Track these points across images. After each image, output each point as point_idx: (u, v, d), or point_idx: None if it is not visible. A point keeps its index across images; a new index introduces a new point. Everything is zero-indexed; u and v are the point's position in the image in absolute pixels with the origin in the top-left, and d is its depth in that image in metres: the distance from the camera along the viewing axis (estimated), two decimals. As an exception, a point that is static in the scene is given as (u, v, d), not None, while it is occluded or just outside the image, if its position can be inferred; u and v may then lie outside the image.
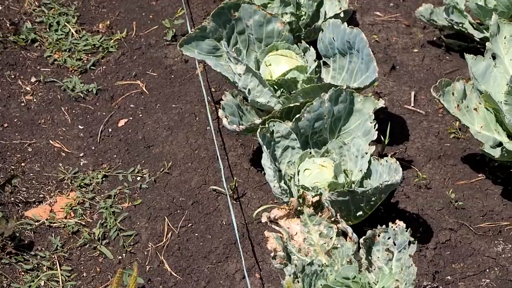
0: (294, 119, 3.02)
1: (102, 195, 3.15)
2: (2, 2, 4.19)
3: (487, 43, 3.32)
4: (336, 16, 3.78)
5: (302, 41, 3.55)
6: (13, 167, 3.28)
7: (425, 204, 3.09)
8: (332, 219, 2.59)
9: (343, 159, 2.97)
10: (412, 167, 3.30)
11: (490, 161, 3.28)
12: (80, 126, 3.57)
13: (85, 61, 3.91)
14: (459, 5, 3.85)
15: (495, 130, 3.25)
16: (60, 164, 3.31)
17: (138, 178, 3.24)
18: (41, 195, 3.17)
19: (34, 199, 3.14)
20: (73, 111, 3.63)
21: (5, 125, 3.50)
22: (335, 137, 3.11)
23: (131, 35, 4.10)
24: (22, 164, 3.31)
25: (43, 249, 3.03)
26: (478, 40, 3.82)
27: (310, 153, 3.00)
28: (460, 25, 3.81)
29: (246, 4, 3.43)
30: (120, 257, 3.01)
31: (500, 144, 3.16)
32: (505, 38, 3.36)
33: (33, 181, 3.24)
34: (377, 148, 3.26)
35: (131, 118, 3.61)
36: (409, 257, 2.48)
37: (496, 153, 3.08)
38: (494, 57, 3.33)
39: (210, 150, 3.36)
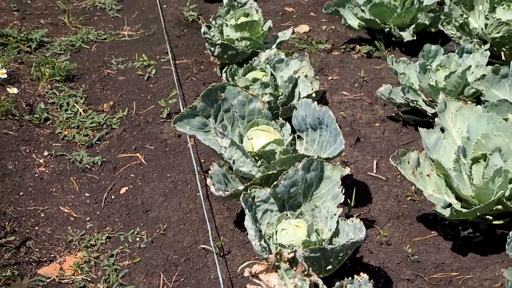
0: (272, 186, 3.03)
1: (105, 254, 3.13)
2: (19, 86, 4.21)
3: (436, 118, 3.37)
4: (308, 96, 3.80)
5: (279, 117, 3.57)
6: (27, 230, 3.26)
7: (385, 258, 3.09)
8: (305, 272, 2.59)
9: (315, 220, 2.97)
10: (375, 226, 3.30)
11: (442, 220, 3.28)
12: (86, 194, 3.55)
13: (91, 137, 3.91)
14: (414, 85, 3.89)
15: (445, 193, 3.28)
16: (69, 228, 3.29)
17: (137, 239, 3.22)
18: (52, 255, 3.14)
19: (45, 259, 3.12)
20: (81, 181, 3.63)
21: (21, 193, 3.49)
22: (308, 201, 3.11)
23: (132, 114, 4.10)
24: (36, 228, 3.28)
25: (54, 302, 3.00)
26: (430, 115, 3.85)
27: (287, 215, 3.00)
28: (415, 102, 3.83)
29: (231, 86, 3.47)
30: (121, 309, 3.00)
31: (449, 205, 3.19)
32: (451, 113, 3.40)
33: (45, 243, 3.21)
34: (344, 210, 3.25)
35: (131, 186, 3.61)
36: (373, 305, 2.48)
37: (446, 213, 3.09)
38: (443, 130, 3.37)
39: (200, 213, 3.35)
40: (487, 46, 4.16)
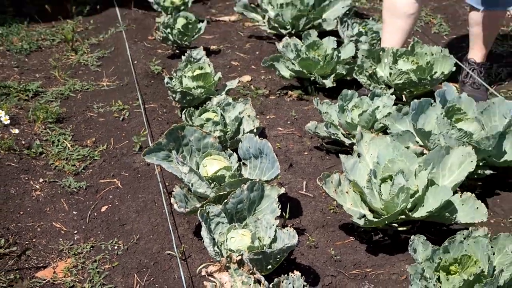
0: (223, 203, 3.06)
1: (90, 260, 3.14)
2: (19, 127, 4.16)
3: (354, 146, 3.43)
4: (251, 131, 3.84)
5: (228, 149, 3.60)
6: (27, 242, 3.25)
7: (314, 259, 3.13)
8: (250, 271, 2.64)
9: (258, 230, 2.98)
10: (305, 233, 3.32)
11: (358, 228, 3.31)
12: (74, 212, 3.54)
13: (78, 166, 3.90)
14: (334, 122, 3.94)
15: (360, 207, 3.30)
16: (60, 239, 3.29)
17: (115, 247, 3.23)
18: (47, 261, 3.15)
19: (42, 264, 3.12)
20: (69, 202, 3.61)
21: (21, 212, 3.48)
22: (251, 215, 3.13)
23: (110, 148, 4.10)
24: (33, 240, 3.28)
25: (48, 299, 3.03)
26: (347, 145, 3.89)
27: (235, 226, 3.00)
28: (335, 135, 3.89)
29: (189, 126, 3.51)
30: (103, 302, 3.03)
31: (364, 216, 3.22)
32: (366, 142, 3.44)
33: (41, 252, 3.21)
34: (281, 221, 3.27)
35: (110, 205, 3.60)
36: (303, 295, 2.56)
37: (361, 222, 3.13)
38: (359, 155, 3.41)
39: (165, 226, 3.35)
40: (392, 90, 4.26)
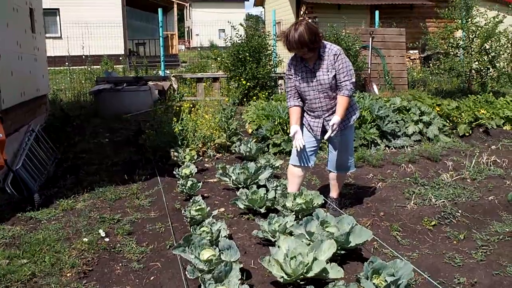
0: (212, 273, 3.02)
1: None
2: (108, 237, 4.19)
3: (275, 242, 3.35)
4: (225, 236, 3.81)
5: (214, 245, 3.50)
6: None
7: None
8: None
9: (230, 286, 2.97)
10: (253, 287, 3.24)
11: (279, 283, 3.21)
12: (137, 280, 3.53)
13: (139, 257, 3.85)
14: (266, 230, 3.92)
15: (281, 272, 3.26)
16: None
17: None
18: None
19: None
20: (134, 275, 3.59)
21: (113, 279, 3.44)
22: (226, 278, 3.09)
23: (155, 246, 4.00)
24: None
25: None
26: (273, 241, 3.79)
27: (218, 284, 3.01)
28: (267, 236, 3.83)
29: (194, 235, 3.51)
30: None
31: (282, 277, 3.21)
32: (281, 239, 3.38)
33: None
34: (241, 281, 3.20)
35: (155, 276, 3.57)
36: None
37: (282, 280, 3.12)
38: (278, 247, 3.39)
39: (181, 286, 3.25)
40: (293, 213, 4.23)
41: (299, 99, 4.09)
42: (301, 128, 4.12)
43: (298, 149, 4.04)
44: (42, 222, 4.41)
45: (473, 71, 10.27)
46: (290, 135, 4.10)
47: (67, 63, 14.26)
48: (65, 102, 10.48)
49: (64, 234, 4.10)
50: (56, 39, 20.68)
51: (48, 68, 9.40)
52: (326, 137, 4.01)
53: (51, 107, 8.86)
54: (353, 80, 3.90)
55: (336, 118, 3.90)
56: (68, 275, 3.42)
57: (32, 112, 6.86)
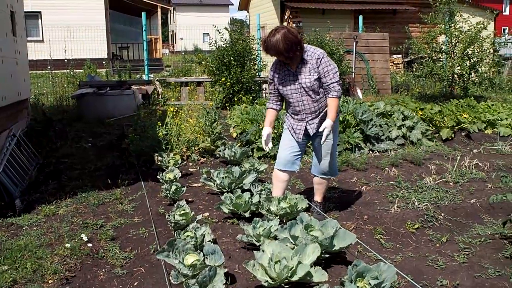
0: (196, 278, 3.04)
1: None
2: (91, 242, 4.13)
3: (260, 246, 3.39)
4: (209, 240, 3.82)
5: (198, 250, 3.53)
6: None
7: None
8: None
9: None
10: None
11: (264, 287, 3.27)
12: (120, 286, 3.51)
13: (122, 262, 3.83)
14: (251, 234, 3.95)
15: (265, 276, 3.28)
16: None
17: None
18: None
19: None
20: (118, 281, 3.57)
21: (96, 285, 3.39)
22: (211, 283, 3.11)
23: (139, 251, 4.01)
24: None
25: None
26: (258, 245, 3.81)
27: None
28: (251, 241, 3.85)
29: (178, 239, 3.48)
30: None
31: (267, 281, 3.22)
32: (266, 243, 3.39)
33: None
34: (226, 286, 3.20)
35: (138, 282, 3.55)
36: None
37: (266, 284, 3.13)
38: (263, 251, 3.44)
39: None
40: (278, 217, 4.27)
41: (279, 103, 4.24)
42: (290, 132, 4.34)
43: (267, 150, 4.22)
44: (24, 228, 4.38)
45: (455, 75, 10.44)
46: (262, 134, 4.27)
47: (49, 67, 14.06)
48: (47, 106, 10.27)
49: (46, 240, 4.07)
50: (38, 43, 20.65)
51: (30, 71, 9.32)
52: (322, 142, 4.11)
53: (33, 111, 8.68)
54: (340, 81, 4.00)
55: (328, 122, 3.95)
56: (50, 281, 3.40)
57: (13, 117, 6.74)
